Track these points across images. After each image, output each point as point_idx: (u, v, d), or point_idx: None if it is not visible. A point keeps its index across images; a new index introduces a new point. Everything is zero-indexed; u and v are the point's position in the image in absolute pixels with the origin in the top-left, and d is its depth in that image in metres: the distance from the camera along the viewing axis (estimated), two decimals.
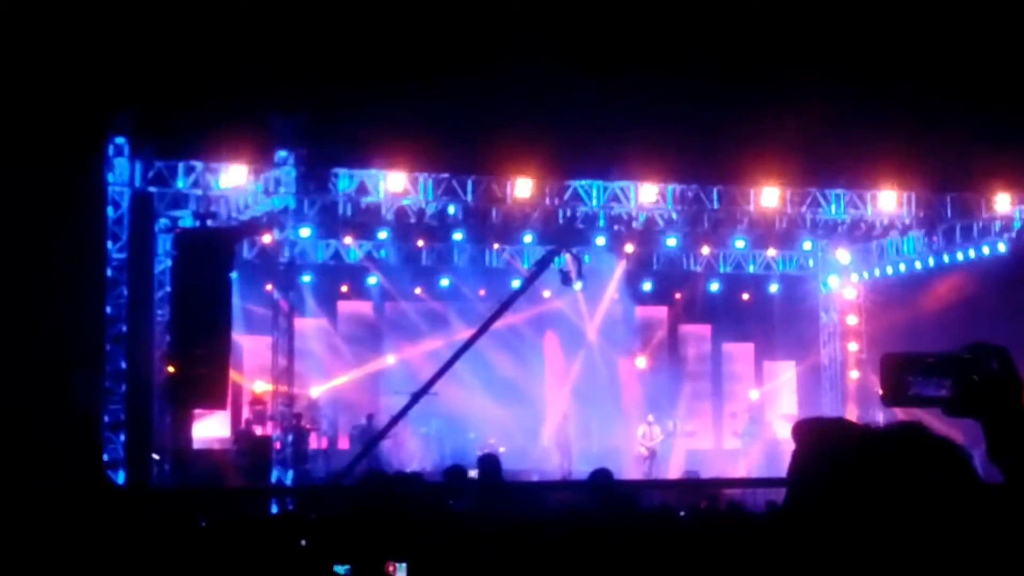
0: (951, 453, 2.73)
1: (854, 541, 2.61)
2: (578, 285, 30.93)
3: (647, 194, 23.67)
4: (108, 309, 21.16)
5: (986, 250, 25.54)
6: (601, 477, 13.64)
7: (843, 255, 30.48)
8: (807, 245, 29.09)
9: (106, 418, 20.97)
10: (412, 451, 28.90)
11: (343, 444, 29.56)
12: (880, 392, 3.44)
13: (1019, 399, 3.17)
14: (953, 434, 2.77)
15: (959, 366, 3.21)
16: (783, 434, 26.50)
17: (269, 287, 29.25)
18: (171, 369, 22.25)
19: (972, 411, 3.18)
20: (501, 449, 28.33)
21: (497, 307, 28.86)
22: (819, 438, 2.89)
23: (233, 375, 25.10)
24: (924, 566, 2.60)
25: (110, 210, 21.21)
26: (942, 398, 3.24)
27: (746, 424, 31.84)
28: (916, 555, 2.61)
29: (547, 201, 24.21)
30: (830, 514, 2.64)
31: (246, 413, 27.89)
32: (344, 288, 30.72)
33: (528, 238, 27.20)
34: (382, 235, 26.56)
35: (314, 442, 28.65)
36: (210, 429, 26.48)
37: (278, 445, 25.49)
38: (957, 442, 2.77)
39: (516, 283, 30.02)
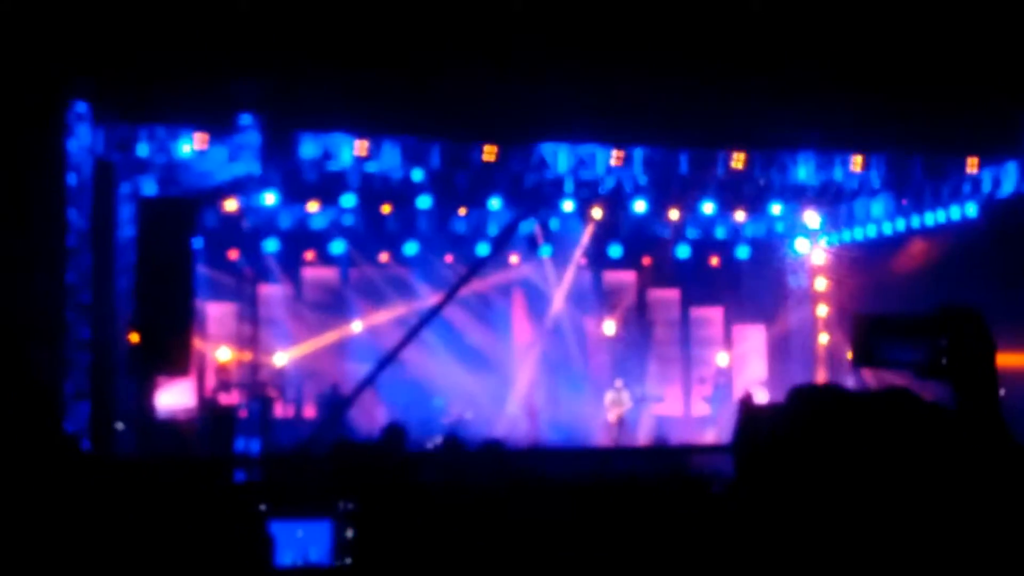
0: (940, 417, 2.75)
1: (845, 504, 2.64)
2: (545, 251, 31.02)
3: (615, 158, 23.64)
4: (70, 278, 21.06)
5: (956, 212, 25.60)
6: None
7: (812, 218, 30.56)
8: (776, 209, 29.11)
9: (69, 388, 20.89)
10: (379, 419, 28.91)
11: (309, 412, 29.54)
12: (850, 353, 3.46)
13: (992, 362, 3.19)
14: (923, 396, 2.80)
15: (931, 328, 3.22)
16: (755, 399, 26.53)
17: (233, 254, 29.27)
18: (134, 338, 22.20)
19: (943, 374, 3.20)
20: (468, 415, 28.45)
21: (464, 273, 28.91)
22: (806, 404, 2.92)
23: (197, 343, 25.08)
24: (915, 526, 2.63)
25: (72, 177, 21.09)
26: (913, 361, 3.25)
27: (715, 389, 31.96)
28: (907, 516, 2.64)
29: (514, 166, 24.17)
30: (820, 478, 2.67)
31: (211, 381, 27.88)
32: (309, 255, 30.66)
33: (495, 204, 27.17)
34: (347, 201, 26.47)
35: (280, 410, 28.66)
36: (175, 398, 26.41)
37: (243, 413, 25.51)
38: (946, 407, 2.80)
39: (483, 249, 30.04)
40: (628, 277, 33.28)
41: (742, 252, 32.50)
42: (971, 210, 25.18)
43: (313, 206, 28.19)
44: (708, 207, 28.38)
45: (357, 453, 12.16)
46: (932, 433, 2.77)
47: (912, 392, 2.83)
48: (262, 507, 10.10)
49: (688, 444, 25.55)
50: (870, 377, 21.86)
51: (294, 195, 26.55)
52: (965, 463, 2.79)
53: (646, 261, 32.80)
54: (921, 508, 2.69)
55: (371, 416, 27.41)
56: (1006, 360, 3.22)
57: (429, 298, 29.35)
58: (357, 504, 9.81)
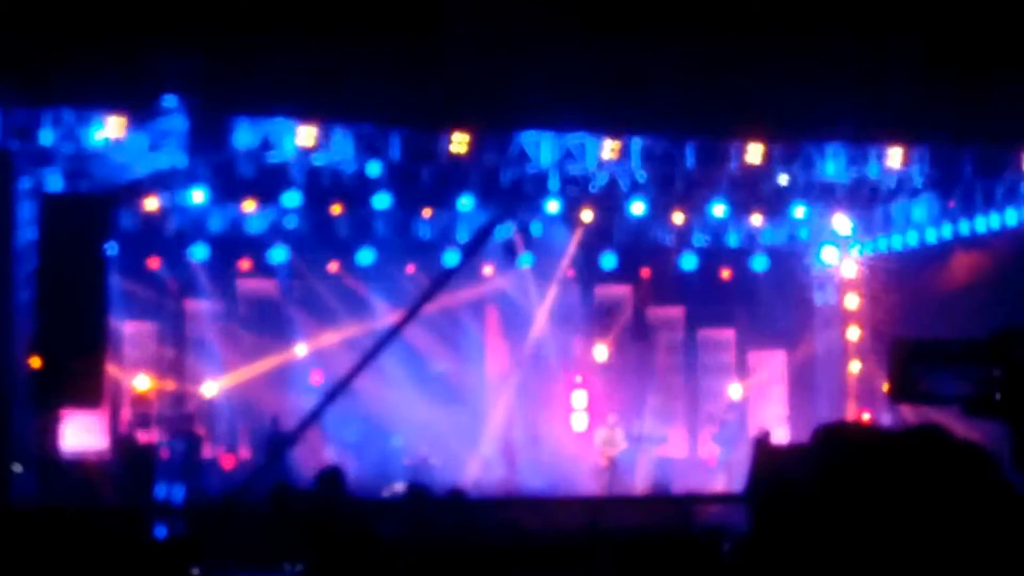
0: (976, 458, 2.75)
1: (871, 554, 2.65)
2: (526, 260, 31.04)
3: (608, 150, 23.66)
4: None
5: (1013, 217, 25.60)
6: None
7: (842, 223, 30.62)
8: (799, 211, 29.18)
9: None
10: (327, 461, 28.87)
11: (244, 453, 29.55)
12: (886, 385, 3.48)
13: None
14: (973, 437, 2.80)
15: (982, 356, 3.21)
16: (774, 438, 26.51)
17: (154, 263, 29.24)
18: (35, 362, 22.16)
19: (996, 410, 3.20)
20: (433, 460, 28.46)
21: (428, 287, 28.92)
22: (833, 446, 2.92)
23: (110, 369, 25.02)
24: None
25: None
26: (960, 395, 3.26)
27: (724, 427, 31.96)
28: (940, 568, 2.64)
29: (488, 159, 24.18)
30: (843, 528, 2.68)
31: (127, 415, 27.85)
32: (244, 264, 30.63)
33: (466, 203, 27.15)
34: (290, 200, 26.45)
35: (209, 451, 28.65)
36: (83, 435, 26.35)
37: (165, 454, 25.47)
38: (982, 445, 2.80)
39: (451, 258, 30.06)
40: (623, 292, 33.33)
41: (759, 263, 32.52)
42: None
43: (249, 206, 28.15)
44: (719, 209, 28.45)
45: (297, 502, 12.18)
46: (971, 480, 2.77)
47: (944, 430, 2.83)
48: (194, 572, 10.12)
49: (694, 493, 25.58)
50: (910, 413, 21.92)
51: (227, 192, 26.50)
52: (1012, 519, 2.79)
53: (645, 273, 32.85)
54: (961, 570, 2.70)
55: (317, 458, 27.37)
56: None
57: (387, 316, 29.34)
58: (305, 565, 9.83)
